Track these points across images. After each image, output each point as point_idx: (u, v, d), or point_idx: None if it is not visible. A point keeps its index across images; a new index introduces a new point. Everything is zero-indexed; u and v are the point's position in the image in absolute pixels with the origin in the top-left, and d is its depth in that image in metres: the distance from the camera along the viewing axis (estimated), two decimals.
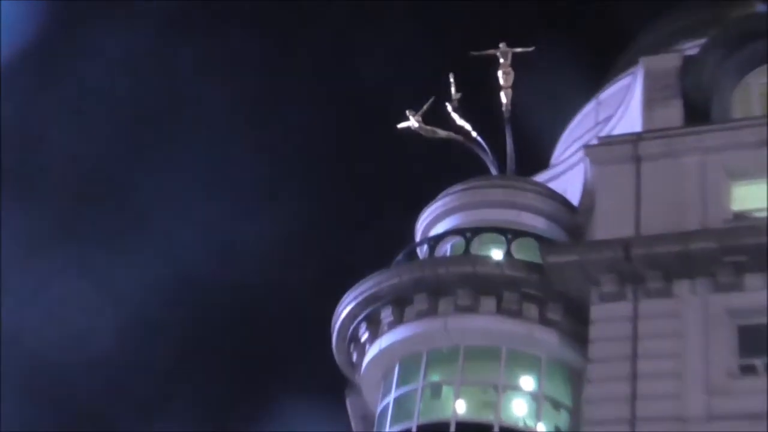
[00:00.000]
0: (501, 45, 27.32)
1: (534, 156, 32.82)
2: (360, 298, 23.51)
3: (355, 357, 24.24)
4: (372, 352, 23.38)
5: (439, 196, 25.91)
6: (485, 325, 22.47)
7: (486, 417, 21.49)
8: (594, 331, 21.06)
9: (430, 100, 27.74)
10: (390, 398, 22.53)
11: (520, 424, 21.50)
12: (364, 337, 23.66)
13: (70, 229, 50.55)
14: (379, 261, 24.72)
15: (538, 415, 21.62)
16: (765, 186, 22.17)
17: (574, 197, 26.10)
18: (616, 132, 26.35)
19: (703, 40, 25.68)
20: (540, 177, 29.69)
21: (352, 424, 25.52)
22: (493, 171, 27.98)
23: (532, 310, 22.49)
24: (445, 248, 24.81)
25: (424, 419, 21.56)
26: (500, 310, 22.44)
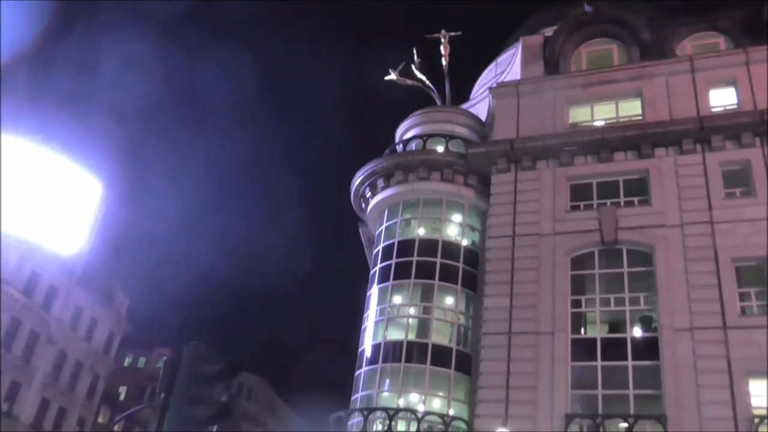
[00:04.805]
0: (442, 31, 38.51)
1: (461, 94, 43.11)
2: (365, 173, 35.10)
3: (363, 206, 35.88)
4: (372, 202, 35.03)
5: (408, 116, 37.12)
6: (434, 187, 33.71)
7: (435, 236, 33.00)
8: (493, 189, 31.55)
9: (402, 63, 39.19)
10: (383, 227, 34.35)
11: (454, 239, 33.04)
12: (368, 194, 35.24)
13: None
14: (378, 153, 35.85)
15: (462, 235, 33.34)
16: (589, 109, 32.46)
17: (483, 117, 36.87)
18: (506, 80, 36.35)
19: (555, 27, 35.83)
20: (464, 106, 40.10)
21: (364, 243, 37.39)
22: (438, 103, 39.14)
23: (460, 178, 33.65)
24: (412, 145, 35.85)
25: (401, 238, 33.24)
26: (443, 179, 33.69)
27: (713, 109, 30.57)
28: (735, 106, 30.35)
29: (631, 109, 32.03)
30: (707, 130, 29.26)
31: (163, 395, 8.92)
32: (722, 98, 30.92)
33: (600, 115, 32.51)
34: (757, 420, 23.22)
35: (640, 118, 31.40)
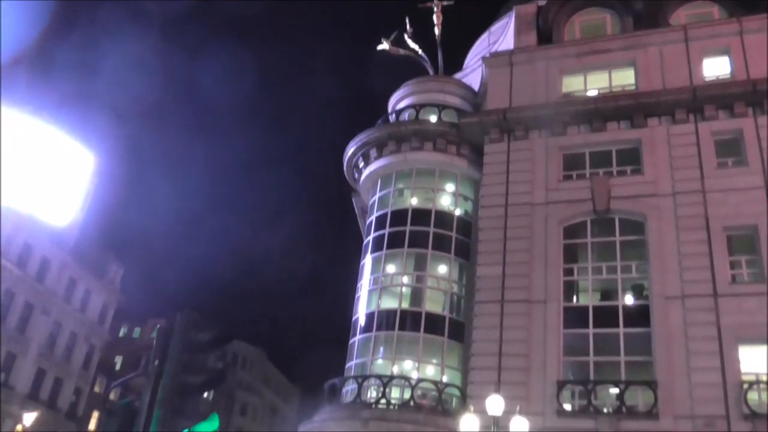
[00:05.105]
0: (435, 0, 38.49)
1: (454, 64, 43.27)
2: (358, 143, 35.23)
3: (356, 176, 36.06)
4: (365, 173, 35.19)
5: (401, 86, 37.18)
6: (427, 157, 33.83)
7: (428, 206, 33.17)
8: (486, 159, 31.50)
9: (395, 33, 39.23)
10: (376, 197, 34.53)
11: (447, 209, 33.30)
12: (361, 164, 35.40)
13: None
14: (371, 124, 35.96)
15: (455, 204, 33.57)
16: (582, 78, 32.41)
17: (476, 86, 36.74)
18: (499, 49, 36.38)
19: None
20: (457, 75, 40.14)
21: (357, 213, 37.52)
22: (431, 72, 39.14)
23: (452, 148, 33.71)
24: (405, 115, 35.95)
25: (394, 208, 33.40)
26: (435, 149, 33.76)
27: (706, 79, 30.60)
28: (728, 76, 30.44)
29: (625, 78, 32.00)
30: (700, 100, 29.36)
31: (157, 362, 9.04)
32: (715, 68, 30.99)
33: (593, 84, 32.48)
34: (746, 386, 23.69)
35: (634, 87, 31.43)
